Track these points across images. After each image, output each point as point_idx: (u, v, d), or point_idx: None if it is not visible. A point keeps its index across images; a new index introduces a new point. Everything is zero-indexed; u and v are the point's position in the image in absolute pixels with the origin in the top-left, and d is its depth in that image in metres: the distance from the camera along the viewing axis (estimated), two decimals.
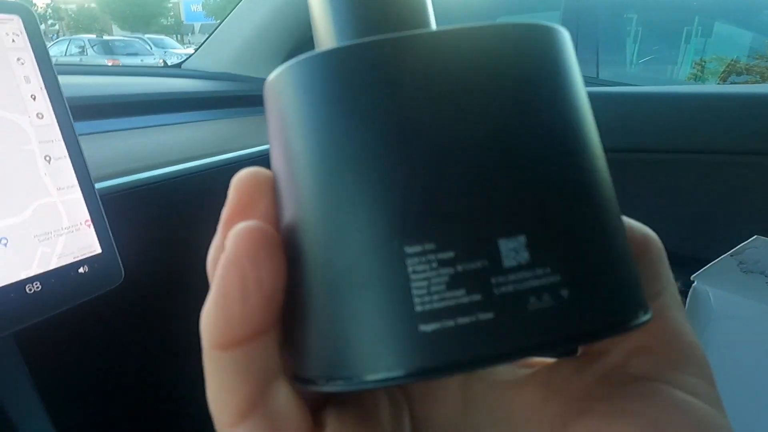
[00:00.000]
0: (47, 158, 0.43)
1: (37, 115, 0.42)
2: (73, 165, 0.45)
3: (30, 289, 0.41)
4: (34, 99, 0.42)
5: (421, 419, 0.16)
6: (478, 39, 0.11)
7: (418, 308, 0.11)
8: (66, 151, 0.44)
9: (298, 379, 0.12)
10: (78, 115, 0.62)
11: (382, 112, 0.11)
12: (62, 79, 0.45)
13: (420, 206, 0.11)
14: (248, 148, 0.72)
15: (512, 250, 0.11)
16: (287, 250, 0.12)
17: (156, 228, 0.60)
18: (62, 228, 0.43)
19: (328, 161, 0.11)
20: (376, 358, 0.11)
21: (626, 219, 0.15)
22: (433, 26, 0.15)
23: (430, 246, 0.11)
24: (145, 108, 0.71)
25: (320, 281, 0.12)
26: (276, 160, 0.13)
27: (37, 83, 0.43)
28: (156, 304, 0.61)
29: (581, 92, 0.13)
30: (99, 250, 0.46)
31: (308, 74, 0.12)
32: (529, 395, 0.14)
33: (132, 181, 0.57)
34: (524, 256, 0.11)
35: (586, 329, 0.11)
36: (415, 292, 0.11)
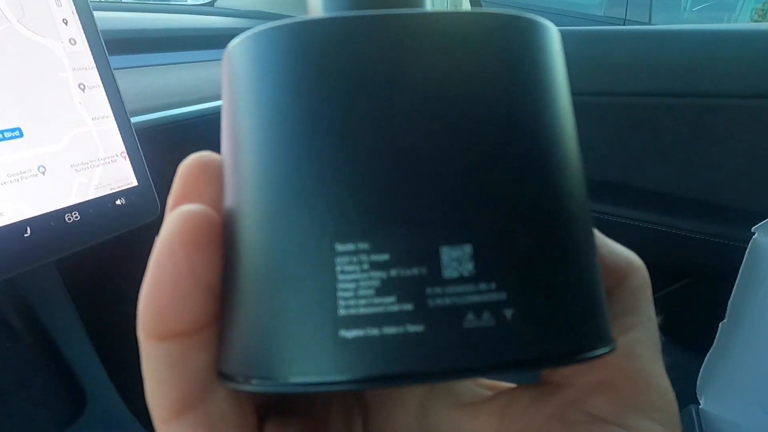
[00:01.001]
0: (81, 86, 0.42)
1: (70, 41, 0.41)
2: (107, 95, 0.44)
3: (69, 219, 0.41)
4: (66, 24, 0.41)
5: (376, 431, 0.15)
6: (441, 26, 0.10)
7: (342, 312, 0.10)
8: (100, 80, 0.43)
9: (221, 374, 0.11)
10: (113, 49, 0.61)
11: (325, 97, 0.10)
12: (97, 15, 0.43)
13: (357, 202, 0.10)
14: None
15: (455, 259, 0.10)
16: (225, 238, 0.11)
17: None
18: (98, 159, 0.43)
19: (269, 145, 0.10)
20: (293, 362, 0.10)
21: (610, 242, 0.14)
22: (428, 7, 0.13)
23: (363, 246, 0.10)
24: (179, 44, 0.70)
25: (249, 273, 0.11)
26: (223, 141, 0.12)
27: (68, 7, 0.41)
28: None
29: (560, 96, 0.12)
30: (135, 183, 0.46)
31: (254, 52, 0.11)
32: (484, 422, 0.13)
33: (167, 117, 0.56)
34: (468, 267, 0.10)
35: (528, 356, 0.10)
36: (340, 294, 0.10)
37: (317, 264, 0.10)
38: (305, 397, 0.14)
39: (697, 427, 0.48)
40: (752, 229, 0.51)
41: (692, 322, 0.59)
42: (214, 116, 0.61)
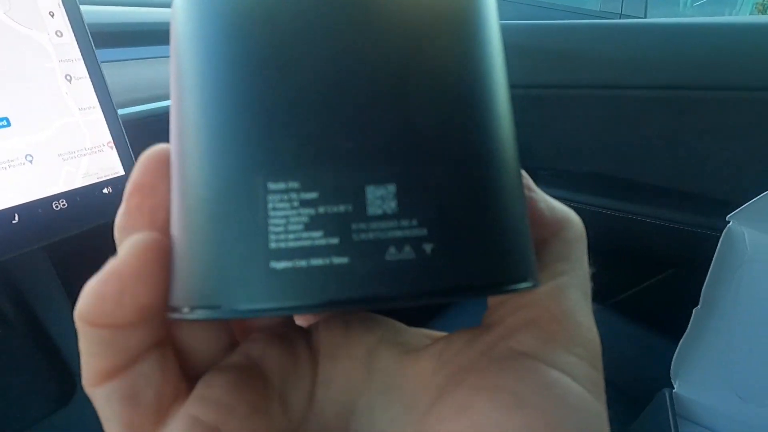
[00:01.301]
0: (68, 77, 0.43)
1: (56, 32, 0.42)
2: (93, 86, 0.45)
3: (56, 206, 0.42)
4: (53, 16, 0.42)
5: (324, 381, 0.15)
6: None
7: (273, 245, 0.10)
8: (86, 71, 0.44)
9: (169, 308, 0.12)
10: (102, 42, 0.62)
11: (258, 44, 0.11)
12: (85, 9, 0.44)
13: (288, 144, 0.10)
14: None
15: (379, 198, 0.10)
16: (171, 180, 0.12)
17: None
18: (85, 148, 0.44)
19: (207, 90, 0.11)
20: (231, 291, 0.11)
21: (549, 198, 0.15)
22: None
23: (294, 185, 0.10)
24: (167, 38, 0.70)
25: (190, 212, 0.11)
26: (171, 91, 0.13)
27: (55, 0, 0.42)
28: None
29: (489, 46, 0.12)
30: (122, 172, 0.47)
31: (193, 3, 0.12)
32: (423, 366, 0.14)
33: (155, 108, 0.57)
34: (391, 205, 0.10)
35: (446, 285, 0.10)
36: (271, 228, 0.10)
37: (251, 201, 0.11)
38: (254, 348, 0.15)
39: (670, 410, 0.49)
40: (727, 218, 0.52)
41: (674, 311, 0.60)
42: None
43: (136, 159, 0.48)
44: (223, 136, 0.11)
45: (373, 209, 0.10)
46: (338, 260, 0.10)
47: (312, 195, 0.10)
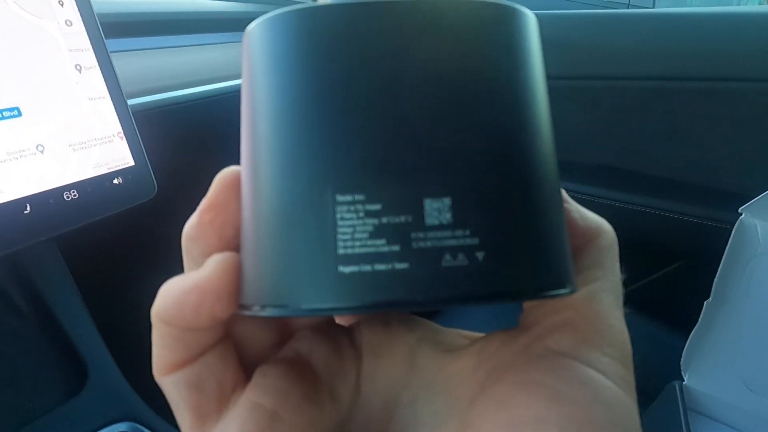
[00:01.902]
0: (78, 67, 0.43)
1: (66, 22, 0.42)
2: (103, 76, 0.45)
3: (68, 197, 0.42)
4: (62, 5, 0.42)
5: (368, 376, 0.17)
6: (435, 11, 0.12)
7: (341, 251, 0.12)
8: (96, 61, 0.44)
9: (240, 306, 0.13)
10: (113, 32, 0.61)
11: (330, 71, 0.12)
12: None
13: (356, 160, 0.12)
14: None
15: (436, 209, 0.12)
16: (243, 193, 0.14)
17: (189, 146, 0.61)
18: (95, 138, 0.44)
19: (283, 110, 0.12)
20: (301, 291, 0.12)
21: (582, 209, 0.16)
22: None
23: (360, 197, 0.12)
24: (179, 28, 0.70)
25: (263, 220, 0.13)
26: (243, 108, 0.14)
27: None
28: (185, 217, 0.63)
29: (535, 73, 0.13)
30: (132, 163, 0.47)
31: (270, 31, 0.13)
32: (464, 363, 0.15)
33: (165, 99, 0.57)
34: (447, 217, 0.12)
35: (495, 290, 0.12)
36: (339, 236, 0.12)
37: (321, 211, 0.12)
38: (302, 345, 0.16)
39: (680, 403, 0.49)
40: (739, 210, 0.52)
41: (683, 303, 0.60)
42: (211, 99, 0.62)
43: (145, 149, 0.48)
44: (295, 153, 0.12)
45: (431, 220, 0.12)
46: (399, 266, 0.11)
47: (376, 206, 0.12)
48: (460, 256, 0.11)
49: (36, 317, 0.52)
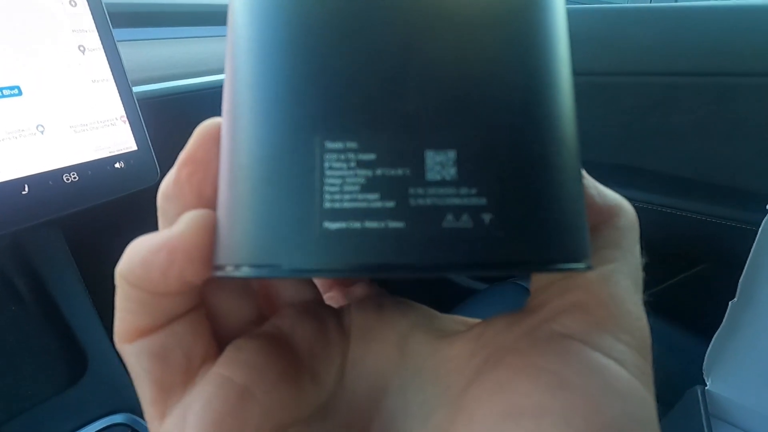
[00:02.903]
0: (81, 48, 0.42)
1: (70, 2, 0.42)
2: (107, 58, 0.44)
3: (68, 179, 0.41)
4: None
5: (355, 361, 0.15)
6: None
7: (327, 205, 0.10)
8: (100, 43, 0.44)
9: (214, 267, 0.12)
10: (123, 22, 0.61)
11: (322, 6, 0.10)
12: None
13: (349, 103, 0.10)
14: None
15: (438, 163, 0.10)
16: (222, 141, 0.12)
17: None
18: (97, 121, 0.43)
19: (269, 47, 0.11)
20: (281, 250, 0.10)
21: (599, 185, 0.15)
22: None
23: (352, 144, 0.10)
24: (188, 19, 0.70)
25: (244, 168, 0.11)
26: (227, 53, 0.12)
27: None
28: None
29: (557, 28, 0.12)
30: (135, 147, 0.46)
31: None
32: (459, 348, 0.14)
33: (172, 87, 0.56)
34: (450, 172, 0.10)
35: (502, 259, 0.10)
36: (327, 188, 0.10)
37: (307, 159, 0.10)
38: (284, 321, 0.15)
39: (702, 409, 0.46)
40: (767, 207, 0.49)
41: (707, 307, 0.57)
42: (216, 89, 0.61)
43: (151, 137, 0.47)
44: (281, 94, 0.11)
45: (432, 174, 0.10)
46: (394, 224, 0.10)
47: (370, 156, 0.10)
48: (464, 218, 0.10)
49: (37, 304, 0.51)
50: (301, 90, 0.10)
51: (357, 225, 0.10)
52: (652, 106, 0.76)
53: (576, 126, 0.12)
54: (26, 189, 0.39)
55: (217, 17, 0.74)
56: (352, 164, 0.10)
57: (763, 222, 0.49)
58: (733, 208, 0.71)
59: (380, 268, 0.10)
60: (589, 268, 0.12)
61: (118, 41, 0.45)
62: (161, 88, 0.55)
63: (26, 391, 0.48)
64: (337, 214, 0.10)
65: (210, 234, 0.12)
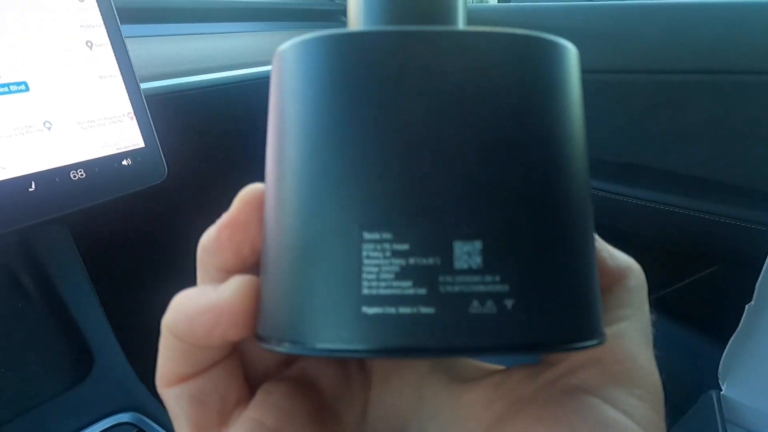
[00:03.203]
0: (89, 44, 0.42)
1: None
2: (115, 54, 0.44)
3: (74, 176, 0.41)
4: None
5: (376, 402, 0.16)
6: (474, 43, 0.12)
7: (365, 291, 0.11)
8: (108, 38, 0.43)
9: (258, 337, 0.13)
10: (132, 18, 0.61)
11: (359, 103, 0.11)
12: None
13: (385, 197, 0.11)
14: None
15: (466, 253, 0.11)
16: (266, 222, 0.13)
17: (203, 133, 0.59)
18: (105, 117, 0.43)
19: (310, 142, 0.12)
20: (321, 330, 0.11)
21: (611, 249, 0.16)
22: (461, 24, 0.15)
23: (387, 236, 0.11)
24: (199, 15, 0.70)
25: (288, 253, 0.12)
26: (269, 133, 0.13)
27: None
28: (198, 205, 0.61)
29: (573, 111, 0.13)
30: (142, 144, 0.45)
31: (300, 57, 0.12)
32: (478, 395, 0.15)
33: (180, 84, 0.56)
34: (477, 261, 0.11)
35: (524, 341, 0.11)
36: (365, 275, 0.11)
37: (347, 248, 0.11)
38: (310, 365, 0.16)
39: (717, 413, 0.45)
40: None
41: (720, 310, 0.56)
42: (227, 86, 0.60)
43: (156, 131, 0.47)
44: (323, 185, 0.12)
45: (460, 264, 0.11)
46: (425, 310, 0.11)
47: (404, 246, 0.11)
48: (489, 304, 0.11)
49: (44, 302, 0.51)
50: (343, 184, 0.11)
51: (392, 310, 0.11)
52: (662, 105, 0.74)
53: (590, 207, 0.13)
54: (33, 186, 0.38)
55: (225, 14, 0.73)
56: (388, 254, 0.11)
57: None
58: (746, 209, 0.69)
59: (413, 350, 0.11)
60: (601, 342, 0.12)
61: (126, 37, 0.45)
62: (169, 85, 0.55)
63: (32, 389, 0.48)
64: (374, 300, 0.11)
65: (254, 301, 0.13)
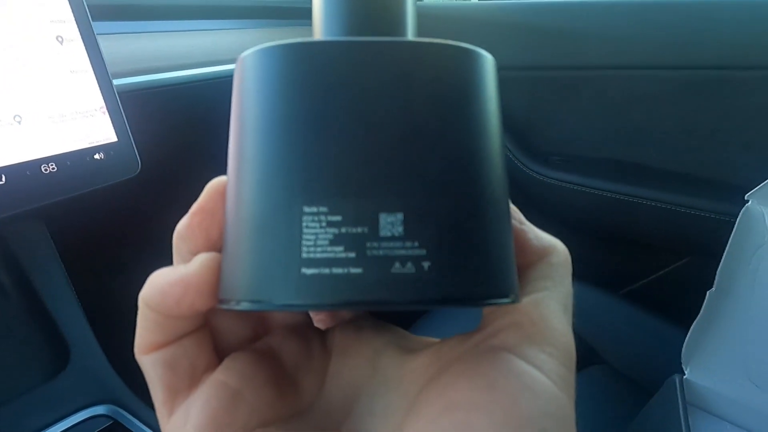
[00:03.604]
0: (59, 39, 0.42)
1: None
2: (86, 49, 0.44)
3: (45, 169, 0.41)
4: None
5: (334, 373, 0.18)
6: (399, 51, 0.14)
7: (305, 255, 0.13)
8: (78, 33, 0.44)
9: (219, 300, 0.15)
10: (106, 15, 0.61)
11: (307, 101, 0.14)
12: None
13: (322, 177, 0.13)
14: None
15: (389, 223, 0.13)
16: (227, 202, 0.15)
17: (177, 128, 0.60)
18: (76, 112, 0.43)
19: (265, 132, 0.14)
20: (270, 289, 0.13)
21: (536, 230, 0.18)
22: (410, 34, 0.18)
23: (323, 209, 0.13)
24: (174, 13, 0.70)
25: (242, 225, 0.14)
26: (231, 129, 0.16)
27: None
28: (172, 199, 0.62)
29: (487, 107, 0.15)
30: (115, 139, 0.46)
31: (261, 61, 0.15)
32: (420, 361, 0.17)
33: (153, 80, 0.56)
34: (399, 230, 0.13)
35: (437, 297, 0.13)
36: (304, 242, 0.13)
37: (290, 220, 0.13)
38: (274, 340, 0.19)
39: (679, 397, 0.46)
40: (746, 196, 0.49)
41: (689, 299, 0.57)
42: (200, 83, 0.61)
43: (130, 127, 0.47)
44: (272, 169, 0.14)
45: (384, 232, 0.13)
46: (354, 270, 0.13)
47: (337, 218, 0.13)
48: (408, 265, 0.13)
49: (19, 296, 0.51)
50: (288, 167, 0.14)
51: (327, 271, 0.13)
52: (638, 100, 0.76)
53: (506, 187, 0.15)
54: (3, 179, 0.39)
55: (199, 11, 0.74)
56: (324, 224, 0.13)
57: (741, 213, 0.49)
58: (718, 202, 0.71)
59: (344, 304, 0.13)
60: (514, 301, 0.15)
61: (103, 34, 0.45)
62: (143, 81, 0.55)
63: (8, 382, 0.48)
64: (312, 263, 0.13)
65: (216, 273, 0.15)
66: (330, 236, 0.13)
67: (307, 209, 0.13)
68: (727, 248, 0.49)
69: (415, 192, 0.13)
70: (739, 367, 0.47)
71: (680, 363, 0.52)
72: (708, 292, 0.49)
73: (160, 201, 0.63)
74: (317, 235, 0.13)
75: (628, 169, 0.79)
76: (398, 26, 0.17)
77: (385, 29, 0.17)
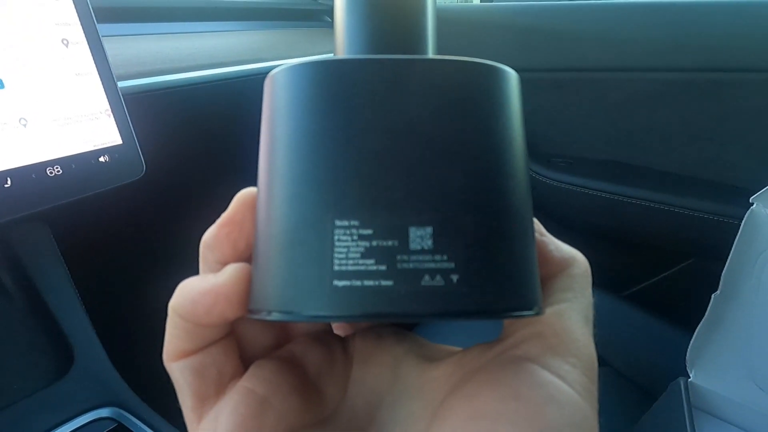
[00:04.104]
0: (64, 42, 0.42)
1: None
2: (91, 52, 0.44)
3: (51, 172, 0.41)
4: None
5: (356, 380, 0.19)
6: (429, 69, 0.14)
7: (336, 268, 0.13)
8: (84, 36, 0.44)
9: (249, 310, 0.15)
10: (112, 17, 0.61)
11: (339, 118, 0.14)
12: None
13: (353, 192, 0.14)
14: (285, 58, 0.70)
15: (419, 236, 0.13)
16: (258, 215, 0.16)
17: (183, 130, 0.60)
18: (81, 115, 0.43)
19: (298, 148, 0.14)
20: (302, 300, 0.14)
21: (557, 242, 0.18)
22: (431, 51, 0.18)
23: (354, 223, 0.13)
24: (186, 15, 0.70)
25: (274, 238, 0.14)
26: (261, 143, 0.16)
27: None
28: (178, 202, 0.62)
29: (512, 123, 0.15)
30: (120, 141, 0.46)
31: (291, 78, 0.15)
32: (442, 370, 0.17)
33: (159, 82, 0.56)
34: (428, 243, 0.13)
35: (465, 309, 0.13)
36: (336, 255, 0.13)
37: (322, 233, 0.14)
38: (298, 347, 0.19)
39: (684, 400, 0.46)
40: (750, 199, 0.49)
41: (693, 302, 0.57)
42: (206, 84, 0.61)
43: (135, 129, 0.47)
44: (304, 183, 0.14)
45: (414, 245, 0.13)
46: (385, 283, 0.13)
47: (368, 231, 0.13)
48: (438, 278, 0.13)
49: (23, 298, 0.51)
50: (320, 182, 0.14)
51: (358, 283, 0.13)
52: (640, 103, 0.76)
53: (530, 202, 0.16)
54: (9, 182, 0.39)
55: (204, 13, 0.74)
56: (355, 237, 0.13)
57: (746, 216, 0.49)
58: (720, 204, 0.71)
59: (375, 315, 0.13)
60: (538, 313, 0.15)
61: (107, 36, 0.45)
62: (148, 83, 0.55)
63: (11, 385, 0.48)
64: (343, 275, 0.13)
65: (246, 284, 0.15)
66: (361, 249, 0.13)
67: (339, 223, 0.14)
68: (732, 251, 0.48)
69: (444, 206, 0.14)
70: (745, 370, 0.47)
71: (685, 366, 0.52)
72: (713, 296, 0.49)
73: (165, 203, 0.63)
74: (349, 248, 0.13)
75: (630, 170, 0.79)
76: (420, 43, 0.18)
77: (408, 47, 0.17)
